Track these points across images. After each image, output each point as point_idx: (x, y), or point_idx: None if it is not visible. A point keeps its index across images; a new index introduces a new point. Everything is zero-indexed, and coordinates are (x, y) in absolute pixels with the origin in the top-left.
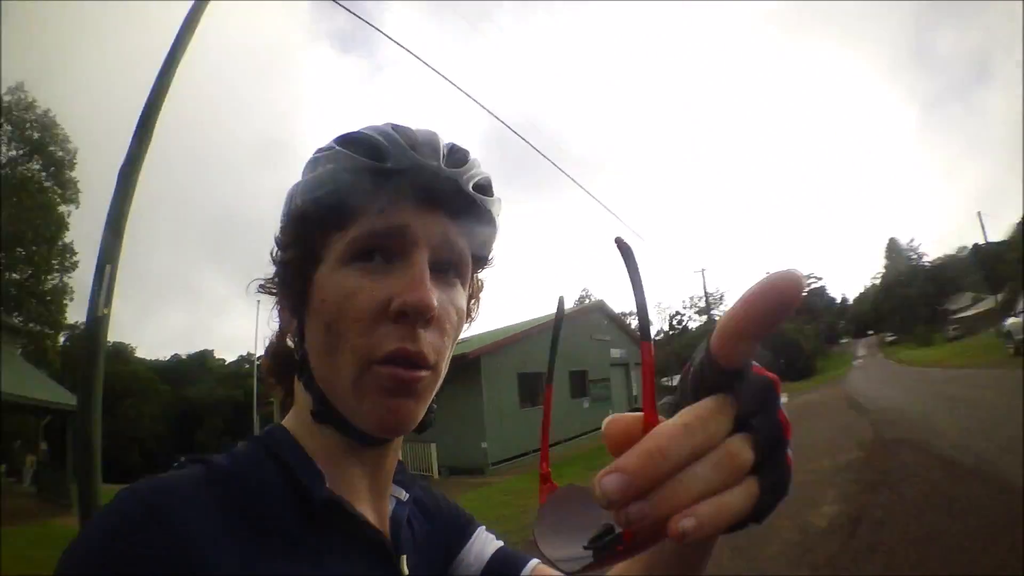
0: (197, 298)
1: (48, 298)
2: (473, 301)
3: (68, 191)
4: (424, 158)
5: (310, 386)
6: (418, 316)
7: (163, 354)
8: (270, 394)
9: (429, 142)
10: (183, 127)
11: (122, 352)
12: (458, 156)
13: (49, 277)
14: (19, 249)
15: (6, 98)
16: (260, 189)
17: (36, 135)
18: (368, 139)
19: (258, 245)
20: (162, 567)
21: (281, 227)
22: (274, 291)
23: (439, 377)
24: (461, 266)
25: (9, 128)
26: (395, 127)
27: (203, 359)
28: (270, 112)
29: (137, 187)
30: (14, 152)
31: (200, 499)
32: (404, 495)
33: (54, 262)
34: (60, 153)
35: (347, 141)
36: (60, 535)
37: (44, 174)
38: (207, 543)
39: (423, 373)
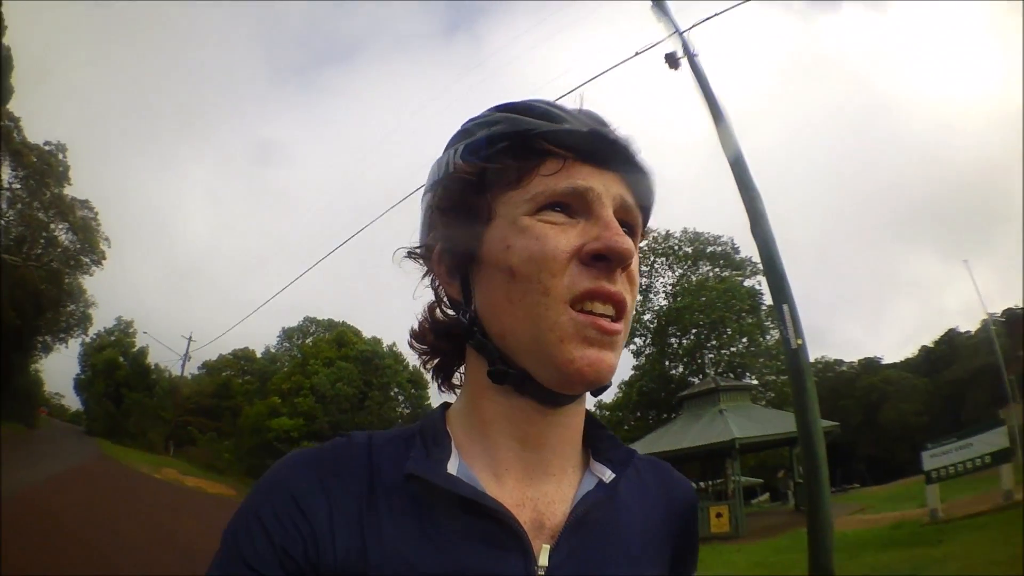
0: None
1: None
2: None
3: None
4: (596, 124)
5: (483, 347)
6: (618, 259)
7: (910, 351)
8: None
9: (591, 113)
10: None
11: (871, 364)
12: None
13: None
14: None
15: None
16: None
17: None
18: (538, 105)
19: None
20: (283, 523)
21: (437, 191)
22: (422, 258)
23: (628, 331)
24: (636, 229)
25: None
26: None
27: (951, 340)
28: None
29: None
30: None
31: (321, 467)
32: (608, 476)
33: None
34: None
35: (514, 107)
36: (800, 540)
37: None
38: (319, 507)
39: (618, 325)
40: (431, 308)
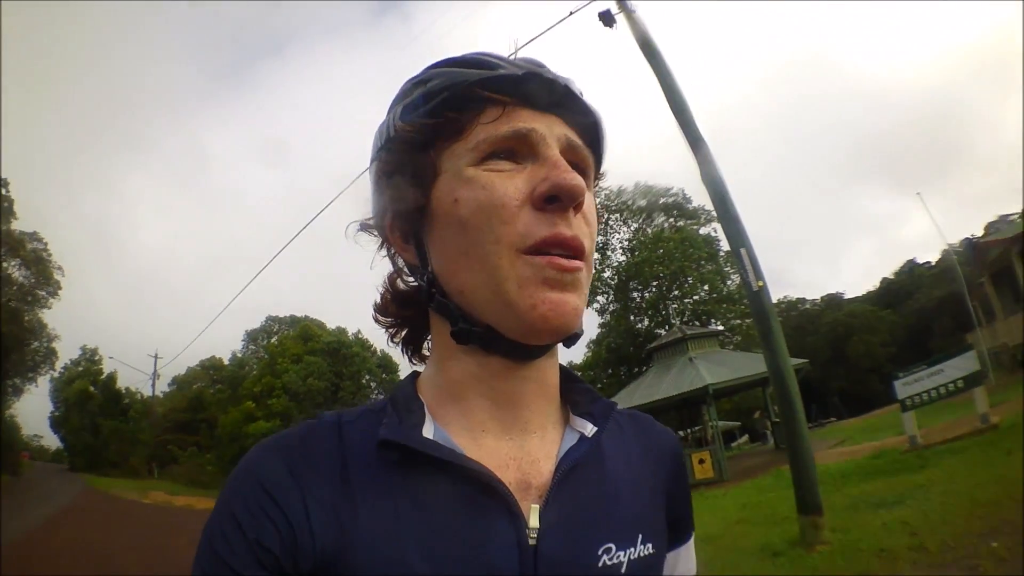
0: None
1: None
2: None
3: None
4: (534, 67)
5: (444, 308)
6: (569, 197)
7: (871, 284)
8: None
9: (530, 59)
10: None
11: (834, 300)
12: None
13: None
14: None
15: None
16: None
17: None
18: (472, 56)
19: None
20: (255, 516)
21: (381, 156)
22: (376, 228)
23: (591, 274)
24: (587, 171)
25: None
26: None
27: (911, 271)
28: None
29: None
30: None
31: (290, 452)
32: (589, 429)
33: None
34: None
35: (449, 61)
36: (784, 478)
37: None
38: (290, 493)
39: (581, 263)
40: (391, 279)
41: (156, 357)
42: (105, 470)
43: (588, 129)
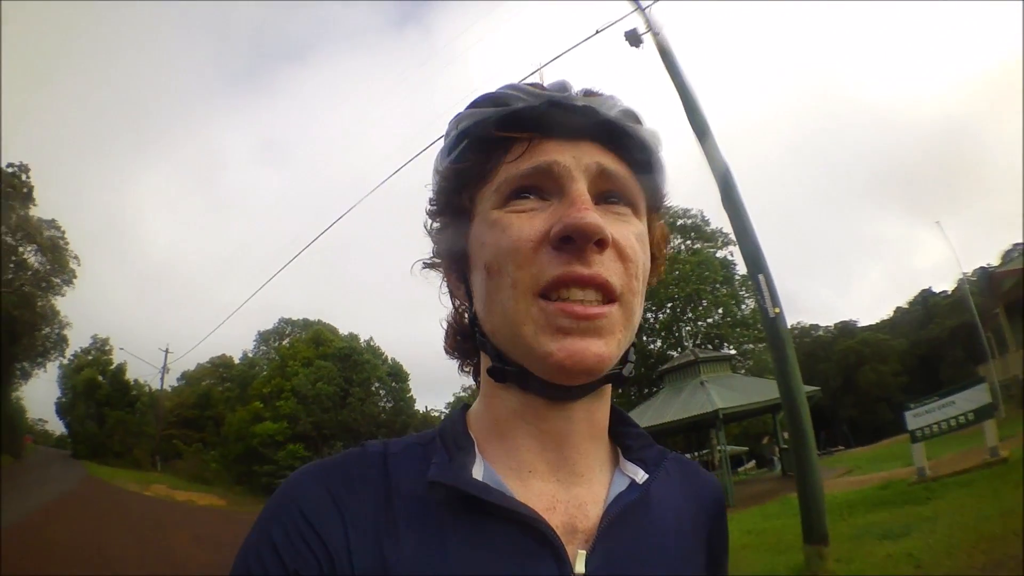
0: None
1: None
2: (661, 241)
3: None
4: (554, 92)
5: (484, 345)
6: (584, 238)
7: (885, 312)
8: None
9: (559, 83)
10: None
11: (847, 327)
12: (590, 91)
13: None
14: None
15: None
16: None
17: None
18: (494, 93)
19: None
20: (295, 544)
21: (430, 200)
22: (437, 264)
23: (632, 314)
24: (630, 196)
25: None
26: (526, 82)
27: (924, 301)
28: None
29: None
30: None
31: (333, 480)
32: (641, 476)
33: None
34: None
35: (474, 101)
36: (791, 505)
37: None
38: (332, 523)
39: (605, 308)
40: (454, 312)
41: (167, 351)
42: (108, 460)
43: (628, 148)
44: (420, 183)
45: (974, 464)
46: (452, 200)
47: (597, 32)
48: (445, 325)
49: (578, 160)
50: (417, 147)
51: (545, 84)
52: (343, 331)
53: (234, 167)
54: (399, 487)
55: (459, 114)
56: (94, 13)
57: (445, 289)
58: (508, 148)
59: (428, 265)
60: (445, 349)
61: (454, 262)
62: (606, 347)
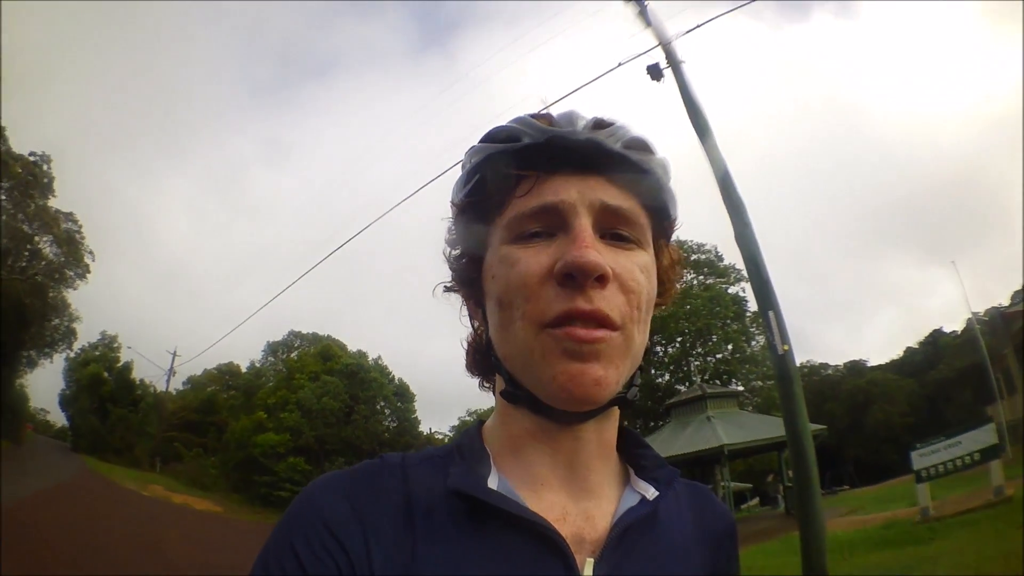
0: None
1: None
2: (670, 267)
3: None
4: (560, 128)
5: (499, 367)
6: (584, 275)
7: (895, 352)
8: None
9: (567, 116)
10: None
11: (856, 367)
12: (601, 122)
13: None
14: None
15: None
16: None
17: None
18: (504, 128)
19: None
20: (316, 552)
21: (448, 229)
22: (456, 289)
23: (633, 342)
24: (634, 227)
25: None
26: (535, 114)
27: (935, 341)
28: None
29: None
30: None
31: (354, 489)
32: (651, 493)
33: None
34: None
35: (487, 134)
36: (792, 543)
37: None
38: (352, 531)
39: (605, 332)
40: (473, 335)
41: (174, 354)
42: (107, 456)
43: (636, 182)
44: (436, 206)
45: (978, 504)
46: (467, 232)
47: (620, 64)
48: (465, 345)
49: (583, 196)
50: (435, 171)
51: (555, 115)
52: (352, 348)
53: (253, 176)
54: (418, 497)
55: (473, 147)
56: (131, 11)
57: (465, 312)
58: (518, 182)
59: (449, 289)
60: (467, 367)
61: (471, 290)
62: (604, 371)
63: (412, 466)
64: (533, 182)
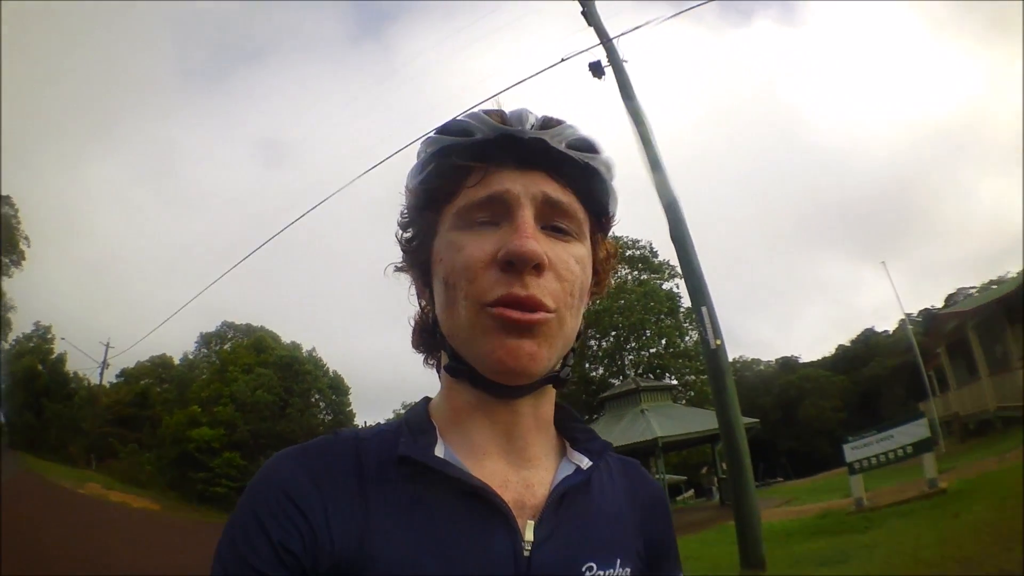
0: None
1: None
2: (606, 260)
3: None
4: (510, 125)
5: (443, 343)
6: (523, 263)
7: (827, 350)
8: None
9: (517, 114)
10: None
11: (788, 363)
12: (549, 121)
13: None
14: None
15: None
16: None
17: None
18: (459, 122)
19: None
20: (279, 520)
21: (401, 211)
22: (406, 269)
23: (565, 324)
24: (573, 220)
25: None
26: (488, 111)
27: (867, 339)
28: None
29: None
30: None
31: (312, 462)
32: (585, 463)
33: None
34: None
35: (441, 127)
36: (728, 533)
37: None
38: (312, 501)
39: (540, 315)
40: (420, 312)
41: (108, 346)
42: (43, 452)
43: (575, 178)
44: (372, 197)
45: (913, 495)
46: (419, 216)
47: (562, 60)
48: (412, 323)
49: (527, 189)
50: (371, 162)
51: (507, 112)
52: (286, 339)
53: (186, 165)
54: (370, 467)
55: (428, 138)
56: (61, 7)
57: (414, 292)
58: (468, 173)
59: (399, 268)
60: (412, 344)
61: (420, 270)
62: (538, 347)
63: (364, 439)
64: (482, 174)
